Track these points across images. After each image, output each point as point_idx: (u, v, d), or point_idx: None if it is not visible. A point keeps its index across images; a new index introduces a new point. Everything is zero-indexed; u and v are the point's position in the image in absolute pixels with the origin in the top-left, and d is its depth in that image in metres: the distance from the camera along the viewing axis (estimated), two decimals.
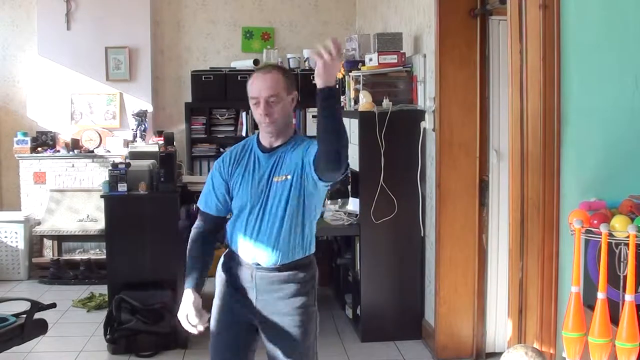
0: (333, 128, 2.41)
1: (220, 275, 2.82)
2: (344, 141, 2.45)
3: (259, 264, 2.67)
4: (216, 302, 2.81)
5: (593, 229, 2.39)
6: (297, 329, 2.68)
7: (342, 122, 2.43)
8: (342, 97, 5.27)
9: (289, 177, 2.62)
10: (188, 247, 2.79)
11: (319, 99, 2.38)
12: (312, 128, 6.75)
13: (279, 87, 2.60)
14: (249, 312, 2.72)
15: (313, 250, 2.75)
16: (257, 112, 2.63)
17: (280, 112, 2.62)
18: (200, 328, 2.66)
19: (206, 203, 2.79)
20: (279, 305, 2.68)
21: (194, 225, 2.83)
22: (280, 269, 2.67)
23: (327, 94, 2.37)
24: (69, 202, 6.50)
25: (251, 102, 2.65)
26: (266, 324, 2.71)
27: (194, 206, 4.83)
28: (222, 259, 2.84)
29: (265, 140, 2.70)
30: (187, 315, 2.65)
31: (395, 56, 4.70)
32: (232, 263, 2.77)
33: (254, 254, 2.67)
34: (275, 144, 2.69)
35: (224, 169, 2.75)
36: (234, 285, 2.75)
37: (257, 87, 2.61)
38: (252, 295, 2.71)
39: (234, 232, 2.74)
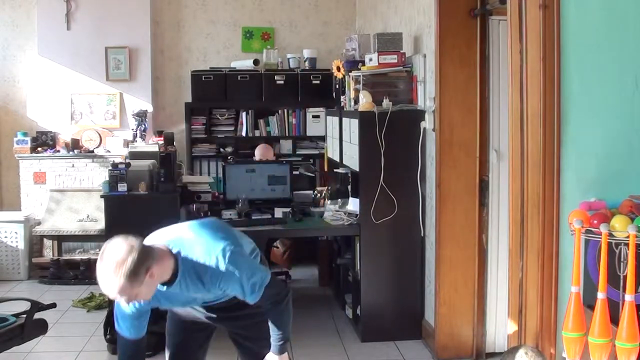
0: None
1: None
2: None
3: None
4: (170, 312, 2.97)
5: (593, 229, 2.38)
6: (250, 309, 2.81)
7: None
8: (342, 97, 5.28)
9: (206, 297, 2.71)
10: None
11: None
12: (312, 128, 6.75)
13: (126, 290, 2.37)
14: (204, 320, 2.91)
15: None
16: None
17: (144, 293, 2.46)
18: None
19: (129, 332, 2.74)
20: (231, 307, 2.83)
21: (120, 345, 2.78)
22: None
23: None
24: (69, 202, 6.50)
25: None
26: (225, 320, 2.90)
27: (194, 206, 4.83)
28: None
29: None
30: None
31: (395, 56, 4.70)
32: None
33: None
34: (167, 280, 2.57)
35: (138, 306, 2.68)
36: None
37: (108, 295, 2.43)
38: (203, 313, 2.88)
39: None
